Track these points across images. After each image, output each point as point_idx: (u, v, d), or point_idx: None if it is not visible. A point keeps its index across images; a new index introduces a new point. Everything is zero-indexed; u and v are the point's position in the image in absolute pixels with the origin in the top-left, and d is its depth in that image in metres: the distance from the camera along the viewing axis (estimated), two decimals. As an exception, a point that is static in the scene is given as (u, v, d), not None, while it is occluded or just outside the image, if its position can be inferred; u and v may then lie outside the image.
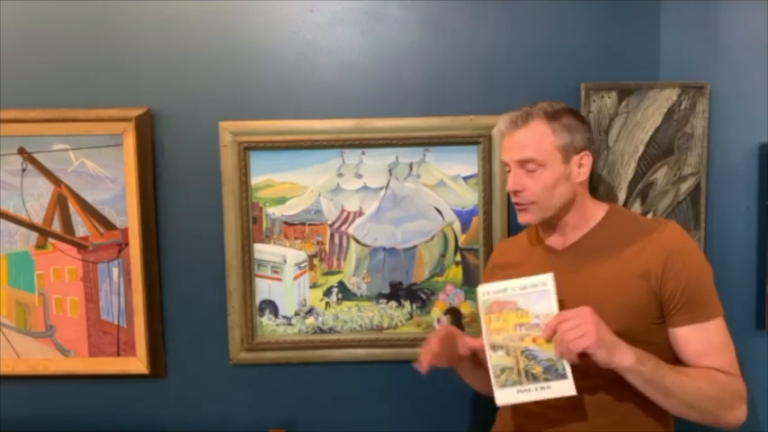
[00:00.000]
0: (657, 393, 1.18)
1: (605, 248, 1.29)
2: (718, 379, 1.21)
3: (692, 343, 1.23)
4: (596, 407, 1.23)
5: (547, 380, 1.19)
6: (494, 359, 1.23)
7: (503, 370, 1.22)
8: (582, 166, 1.30)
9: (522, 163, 1.28)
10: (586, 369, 1.17)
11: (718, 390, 1.20)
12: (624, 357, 1.14)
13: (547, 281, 1.21)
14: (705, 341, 1.23)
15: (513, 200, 1.33)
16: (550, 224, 1.34)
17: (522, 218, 1.33)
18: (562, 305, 1.20)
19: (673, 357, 1.28)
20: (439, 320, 1.67)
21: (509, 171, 1.33)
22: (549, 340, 1.18)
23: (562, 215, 1.32)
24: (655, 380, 1.16)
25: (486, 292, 1.25)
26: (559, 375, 1.19)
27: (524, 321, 1.21)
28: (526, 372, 1.21)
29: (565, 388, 1.18)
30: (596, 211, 1.34)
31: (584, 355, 1.14)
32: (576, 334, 1.13)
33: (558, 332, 1.15)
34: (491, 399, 1.48)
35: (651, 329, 1.24)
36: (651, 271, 1.23)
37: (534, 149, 1.26)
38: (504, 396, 1.22)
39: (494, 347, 1.23)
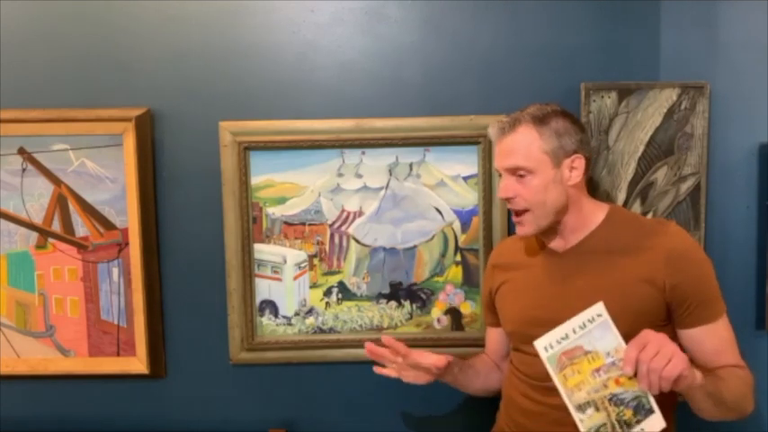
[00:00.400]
0: (711, 402, 1.16)
1: (607, 250, 1.29)
2: (742, 376, 1.22)
3: (708, 342, 1.24)
4: None
5: (639, 422, 1.12)
6: (586, 423, 1.13)
7: (598, 430, 1.13)
8: (574, 170, 1.28)
9: (512, 170, 1.28)
10: None
11: (747, 387, 1.22)
12: (696, 375, 1.11)
13: (601, 311, 1.14)
14: (719, 339, 1.24)
15: (508, 206, 1.33)
16: (549, 228, 1.33)
17: (520, 231, 1.31)
18: (566, 312, 1.17)
19: None
20: (439, 320, 1.67)
21: (501, 176, 1.33)
22: (631, 376, 1.10)
23: (559, 218, 1.31)
24: (713, 390, 1.15)
25: (549, 345, 1.15)
26: (647, 411, 1.11)
27: (599, 365, 1.13)
28: (619, 422, 1.12)
29: (655, 423, 1.11)
30: (596, 213, 1.33)
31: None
32: (664, 361, 1.05)
33: (643, 362, 1.06)
34: (491, 399, 1.49)
35: (656, 332, 1.24)
36: (656, 275, 1.23)
37: (522, 156, 1.26)
38: None
39: (581, 408, 1.13)
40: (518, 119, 1.28)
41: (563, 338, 1.14)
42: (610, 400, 1.12)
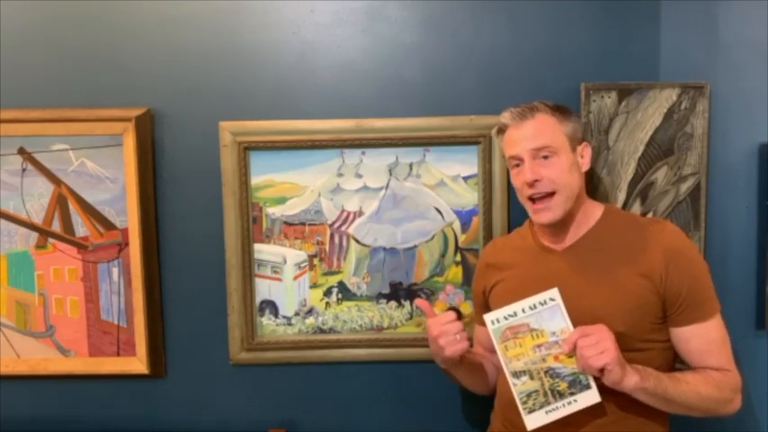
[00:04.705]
0: (660, 403, 1.22)
1: (605, 248, 1.30)
2: (714, 380, 1.25)
3: (695, 342, 1.26)
4: (596, 406, 1.24)
5: (572, 394, 1.20)
6: (518, 387, 1.23)
7: (529, 395, 1.22)
8: (584, 157, 1.34)
9: (537, 152, 1.28)
10: None
11: (715, 390, 1.24)
12: (630, 378, 1.17)
13: (554, 296, 1.21)
14: (706, 339, 1.26)
15: (529, 193, 1.29)
16: (559, 221, 1.32)
17: (546, 216, 1.29)
18: (566, 309, 1.21)
19: (672, 356, 1.31)
20: (439, 320, 1.67)
21: (516, 166, 1.32)
22: (570, 355, 1.19)
23: (571, 209, 1.31)
24: (658, 393, 1.20)
25: (495, 319, 1.23)
26: (584, 387, 1.20)
27: (542, 341, 1.21)
28: (552, 391, 1.21)
29: (590, 397, 1.20)
30: (594, 211, 1.35)
31: (600, 371, 1.16)
32: (596, 350, 1.14)
33: (578, 347, 1.16)
34: (491, 399, 1.49)
35: (652, 329, 1.26)
36: (654, 272, 1.24)
37: (549, 137, 1.28)
38: (535, 420, 1.22)
39: (516, 375, 1.23)
40: (535, 107, 1.31)
41: (511, 315, 1.22)
42: (546, 372, 1.21)
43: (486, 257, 1.51)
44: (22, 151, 1.63)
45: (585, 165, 1.34)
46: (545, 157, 1.27)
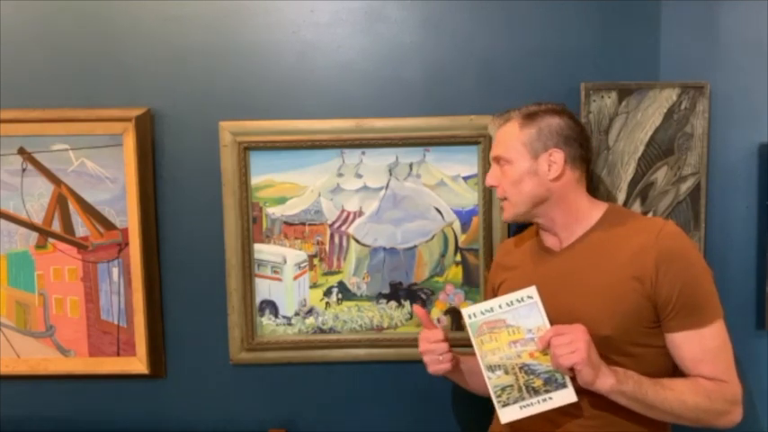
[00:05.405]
0: (641, 408, 1.20)
1: (601, 250, 1.29)
2: (705, 389, 1.21)
3: (687, 349, 1.23)
4: (593, 407, 1.24)
5: (548, 391, 1.21)
6: (493, 380, 1.24)
7: (503, 389, 1.23)
8: (553, 164, 1.30)
9: (496, 160, 1.36)
10: None
11: (704, 400, 1.20)
12: (605, 380, 1.16)
13: (532, 294, 1.21)
14: (700, 347, 1.22)
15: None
16: (542, 224, 1.36)
17: (502, 216, 1.40)
18: (555, 311, 1.21)
19: (669, 362, 1.28)
20: (439, 320, 1.67)
21: None
22: (545, 352, 1.19)
23: (544, 213, 1.33)
24: (637, 398, 1.18)
25: (473, 314, 1.24)
26: (560, 385, 1.20)
27: (518, 338, 1.22)
28: (527, 387, 1.22)
29: (566, 396, 1.20)
30: (592, 212, 1.33)
31: (570, 370, 1.17)
32: (567, 349, 1.15)
33: (551, 346, 1.17)
34: (488, 398, 1.49)
35: (646, 333, 1.24)
36: (645, 275, 1.22)
37: (503, 147, 1.34)
38: (508, 414, 1.23)
39: (491, 368, 1.24)
40: (510, 115, 1.36)
41: (487, 310, 1.24)
42: (521, 368, 1.22)
43: (497, 257, 1.53)
44: (22, 151, 1.63)
45: (553, 172, 1.29)
46: (502, 166, 1.35)
